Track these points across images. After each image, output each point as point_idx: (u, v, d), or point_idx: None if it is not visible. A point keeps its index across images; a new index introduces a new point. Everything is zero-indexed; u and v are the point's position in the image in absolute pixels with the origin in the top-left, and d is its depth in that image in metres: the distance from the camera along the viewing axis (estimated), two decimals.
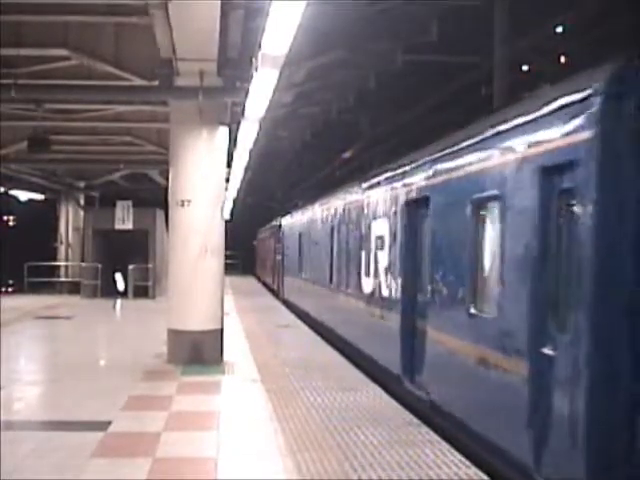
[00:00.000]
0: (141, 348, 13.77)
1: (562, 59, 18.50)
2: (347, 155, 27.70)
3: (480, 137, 7.95)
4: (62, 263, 30.58)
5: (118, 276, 26.94)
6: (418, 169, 10.12)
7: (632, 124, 5.49)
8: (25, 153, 17.68)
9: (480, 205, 7.90)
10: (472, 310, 7.84)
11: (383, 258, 11.80)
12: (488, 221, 7.86)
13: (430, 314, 9.28)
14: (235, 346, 13.77)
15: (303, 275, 21.91)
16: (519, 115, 7.03)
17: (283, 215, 30.65)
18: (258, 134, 15.21)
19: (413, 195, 10.29)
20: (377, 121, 24.44)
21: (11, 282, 33.60)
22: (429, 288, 9.34)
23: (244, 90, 11.02)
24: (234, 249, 38.42)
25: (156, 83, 12.11)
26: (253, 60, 9.00)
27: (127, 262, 26.09)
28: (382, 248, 11.87)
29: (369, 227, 12.89)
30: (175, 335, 12.10)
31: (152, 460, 6.89)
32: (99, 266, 26.19)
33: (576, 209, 5.84)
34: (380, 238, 12.01)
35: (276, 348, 14.25)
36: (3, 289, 30.54)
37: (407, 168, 10.74)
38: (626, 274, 5.47)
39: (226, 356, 12.33)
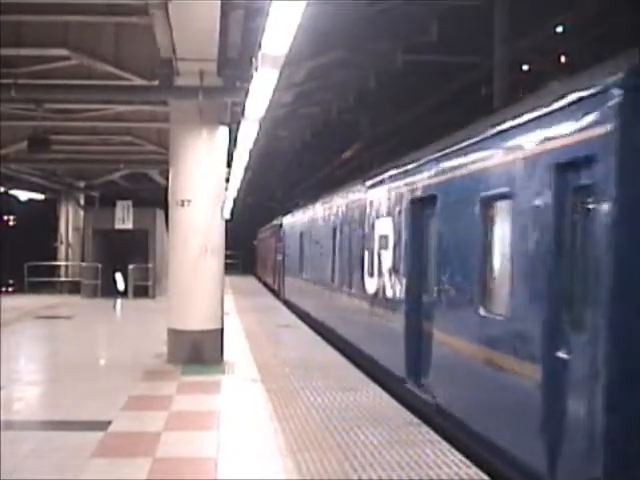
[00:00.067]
0: (141, 348, 13.77)
1: (562, 59, 18.51)
2: (347, 155, 27.70)
3: (490, 133, 7.73)
4: (62, 263, 30.60)
5: (118, 276, 26.95)
6: (424, 167, 9.90)
7: None
8: (25, 153, 17.69)
9: (490, 203, 7.68)
10: (481, 311, 7.65)
11: (387, 258, 11.58)
12: (498, 219, 7.62)
13: (436, 315, 9.09)
14: (235, 346, 13.77)
15: (304, 275, 21.78)
16: (531, 110, 6.79)
17: (284, 214, 30.52)
18: (258, 134, 15.20)
19: (419, 193, 10.08)
20: (377, 121, 24.45)
21: (11, 282, 33.61)
22: (435, 288, 9.15)
23: (244, 90, 11.01)
24: (234, 249, 38.40)
25: (156, 83, 12.11)
26: (253, 60, 8.99)
27: (127, 262, 26.10)
28: (386, 248, 11.66)
29: (373, 226, 12.66)
30: (175, 335, 12.10)
31: (152, 460, 6.88)
32: (99, 266, 26.19)
33: (593, 206, 5.63)
34: (384, 237, 11.79)
35: (276, 348, 14.25)
36: (3, 289, 30.52)
37: (413, 166, 10.52)
38: None
39: (226, 356, 12.33)
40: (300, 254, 22.80)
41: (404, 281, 10.55)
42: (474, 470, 6.62)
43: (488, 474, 6.58)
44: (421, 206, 10.07)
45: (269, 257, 36.74)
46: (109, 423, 8.18)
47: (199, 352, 11.91)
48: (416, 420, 8.44)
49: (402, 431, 7.90)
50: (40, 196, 31.34)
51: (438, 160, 9.34)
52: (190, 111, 11.85)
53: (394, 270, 11.16)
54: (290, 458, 6.93)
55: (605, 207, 5.44)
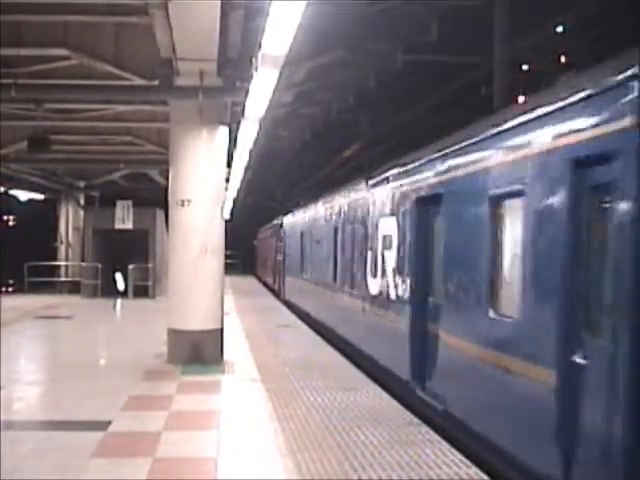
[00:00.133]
0: (141, 348, 13.77)
1: (562, 59, 18.51)
2: (347, 155, 27.70)
3: (500, 129, 7.46)
4: (62, 263, 30.60)
5: (118, 276, 26.95)
6: (430, 164, 9.65)
7: None
8: (25, 153, 17.68)
9: (500, 202, 7.42)
10: (491, 313, 7.42)
11: (391, 258, 11.36)
12: (509, 218, 7.34)
13: (442, 317, 8.89)
14: (235, 346, 13.76)
15: (305, 275, 21.69)
16: (545, 104, 6.50)
17: (284, 214, 30.43)
18: (258, 134, 15.21)
19: (424, 192, 9.88)
20: (377, 121, 24.48)
21: (11, 282, 33.60)
22: (442, 289, 8.95)
23: (244, 90, 11.02)
24: (234, 249, 38.42)
25: (156, 83, 12.11)
26: (253, 60, 9.00)
27: (127, 262, 26.10)
28: (390, 248, 11.43)
29: (376, 226, 12.42)
30: (175, 335, 12.10)
31: (152, 460, 6.88)
32: (99, 266, 26.19)
33: (613, 205, 5.38)
34: (388, 237, 11.57)
35: (276, 348, 14.25)
36: (3, 289, 30.53)
37: (417, 164, 10.28)
38: None
39: (226, 356, 12.33)
40: (301, 254, 22.69)
41: (409, 282, 10.32)
42: (474, 470, 6.61)
43: (488, 474, 6.58)
44: (427, 205, 9.81)
45: (269, 257, 36.71)
46: (109, 423, 8.17)
47: (199, 352, 11.91)
48: (416, 420, 8.43)
49: (402, 431, 7.90)
50: (40, 196, 31.36)
51: (445, 157, 9.08)
52: (190, 111, 11.85)
53: (398, 270, 10.97)
54: (290, 458, 6.93)
55: (625, 206, 5.20)
